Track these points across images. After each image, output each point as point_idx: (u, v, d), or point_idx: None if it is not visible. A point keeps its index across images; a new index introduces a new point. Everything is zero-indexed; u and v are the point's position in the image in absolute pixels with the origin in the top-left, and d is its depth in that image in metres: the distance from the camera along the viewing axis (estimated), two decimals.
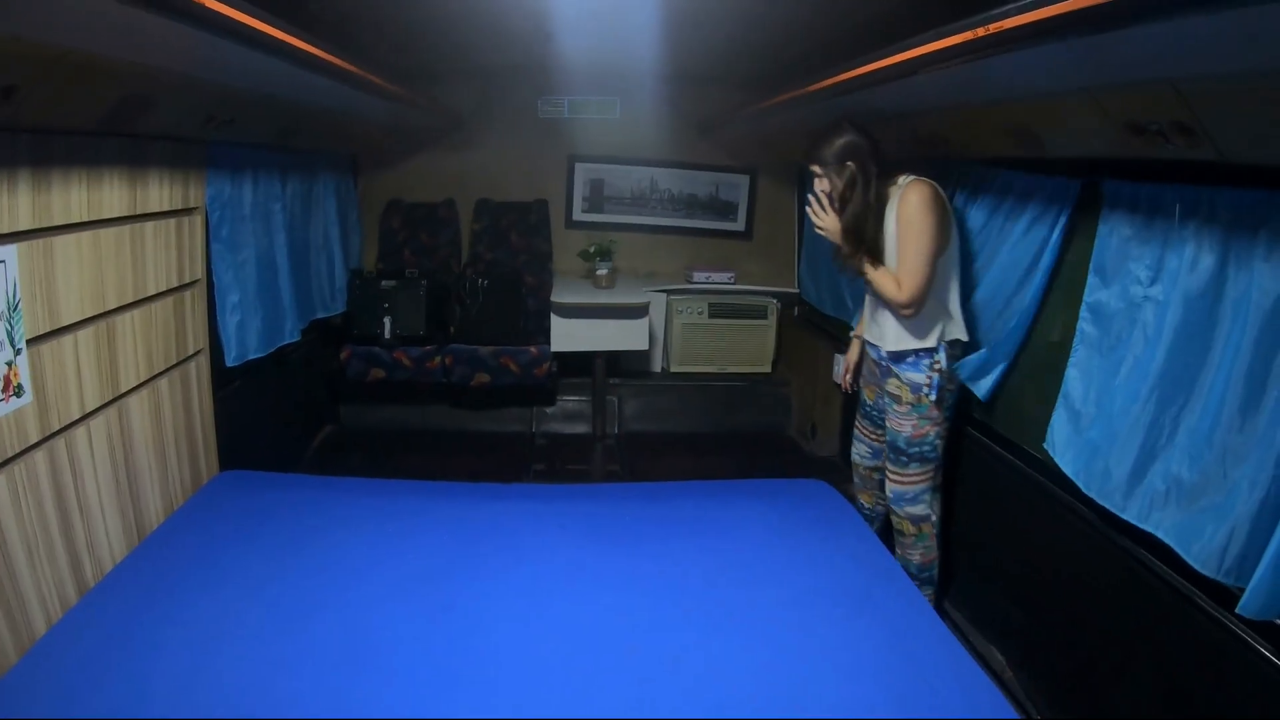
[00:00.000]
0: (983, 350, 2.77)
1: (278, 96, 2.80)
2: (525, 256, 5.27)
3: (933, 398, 2.75)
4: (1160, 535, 1.93)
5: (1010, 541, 2.79)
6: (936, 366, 2.74)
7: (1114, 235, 2.12)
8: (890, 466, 2.91)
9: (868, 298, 2.97)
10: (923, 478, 2.84)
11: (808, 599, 2.24)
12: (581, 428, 5.01)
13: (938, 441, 2.82)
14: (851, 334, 3.32)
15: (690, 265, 5.22)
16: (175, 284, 2.77)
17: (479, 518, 2.66)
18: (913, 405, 2.78)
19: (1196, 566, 1.78)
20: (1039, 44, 1.51)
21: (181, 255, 2.81)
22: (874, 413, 3.08)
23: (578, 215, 5.44)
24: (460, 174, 5.25)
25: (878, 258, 2.74)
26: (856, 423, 3.22)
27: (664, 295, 5.05)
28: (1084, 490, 2.20)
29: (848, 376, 3.34)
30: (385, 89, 3.22)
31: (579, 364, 4.75)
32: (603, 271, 4.70)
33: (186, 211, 2.83)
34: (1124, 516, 2.05)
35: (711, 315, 5.05)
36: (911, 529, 2.90)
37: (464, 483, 3.08)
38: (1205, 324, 1.83)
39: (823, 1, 2.74)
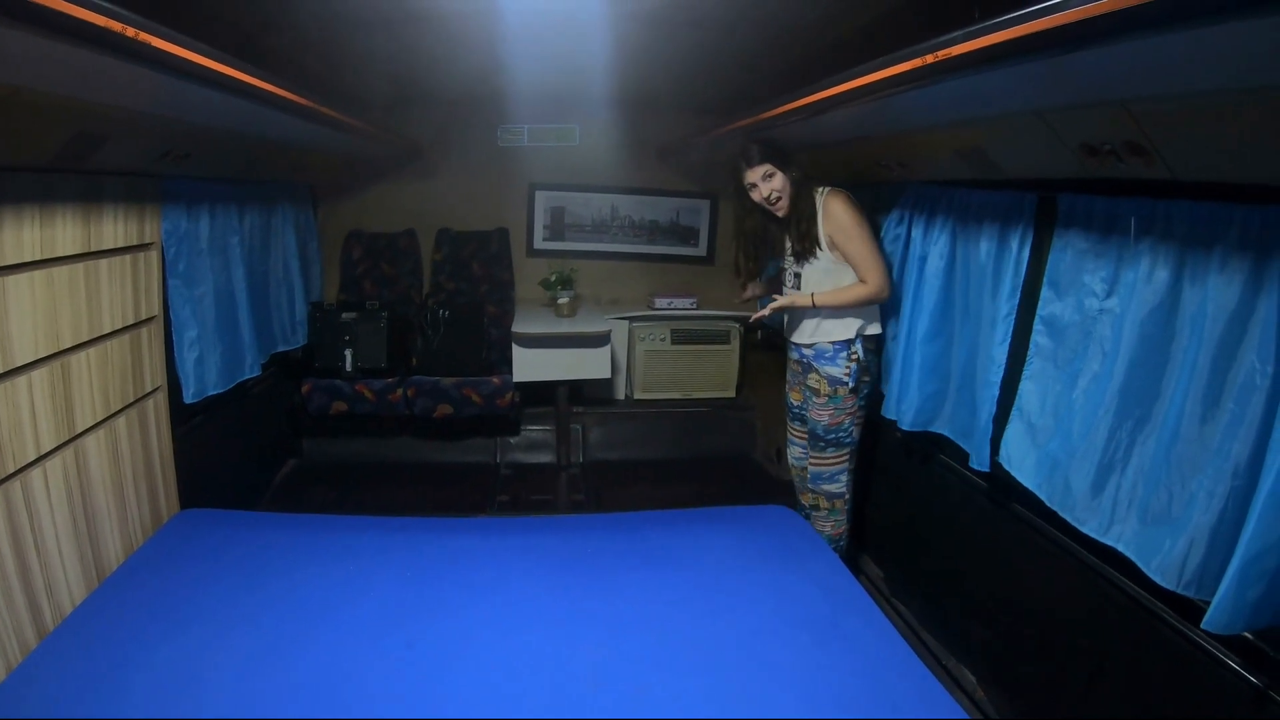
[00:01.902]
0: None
1: (236, 131, 2.78)
2: (487, 286, 5.26)
3: (850, 386, 3.05)
4: (1121, 549, 1.96)
5: (975, 559, 2.82)
6: (854, 357, 3.05)
7: (1069, 249, 2.16)
8: (811, 452, 3.24)
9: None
10: (838, 460, 3.18)
11: (773, 629, 2.24)
12: (546, 457, 4.97)
13: (853, 428, 3.14)
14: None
15: (653, 292, 5.23)
16: (131, 321, 2.72)
17: (439, 554, 2.65)
18: (830, 397, 3.09)
19: (1157, 579, 1.81)
20: (987, 69, 1.55)
21: (137, 291, 2.77)
22: (801, 412, 3.33)
23: (539, 243, 5.44)
24: (420, 203, 5.22)
25: (811, 250, 3.02)
26: (788, 426, 3.47)
27: (626, 322, 5.05)
28: (1046, 503, 2.22)
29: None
30: (341, 121, 3.21)
31: (543, 393, 4.71)
32: (563, 300, 4.67)
33: (142, 247, 2.79)
34: (1084, 530, 2.08)
35: (674, 341, 5.06)
36: (826, 504, 3.25)
37: (424, 518, 3.05)
38: (1161, 338, 1.87)
39: (774, 32, 2.83)
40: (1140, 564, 1.88)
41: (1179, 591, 1.78)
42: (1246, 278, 1.64)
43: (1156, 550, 1.83)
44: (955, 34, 1.54)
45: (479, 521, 3.08)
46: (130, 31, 1.55)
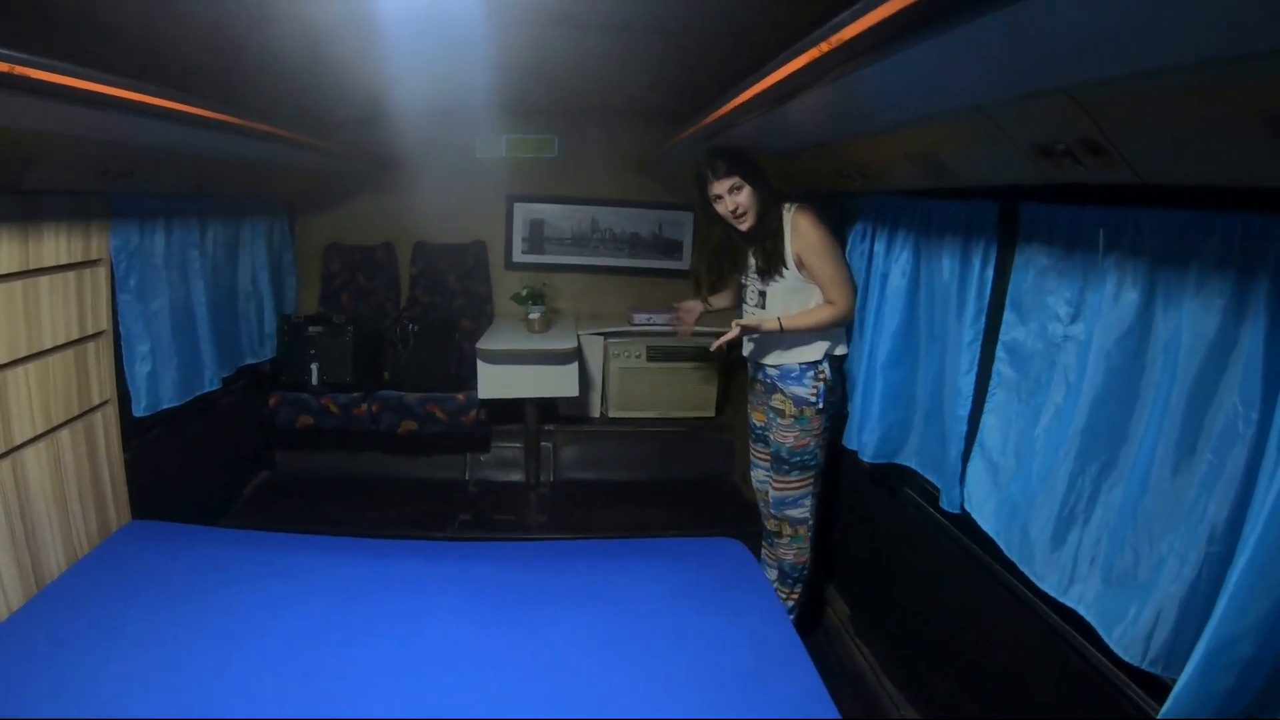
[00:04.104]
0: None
1: (178, 151, 2.79)
2: (463, 300, 5.13)
3: (818, 407, 2.89)
4: (1081, 611, 1.72)
5: (941, 604, 2.56)
6: (821, 377, 2.89)
7: (1031, 266, 1.91)
8: (774, 475, 3.07)
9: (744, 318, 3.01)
10: (803, 484, 3.01)
11: (689, 681, 2.10)
12: (516, 475, 4.82)
13: (818, 451, 2.98)
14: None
15: (632, 307, 5.01)
16: (76, 336, 2.74)
17: (366, 578, 2.57)
18: (795, 418, 2.93)
19: (1119, 652, 1.56)
20: (887, 54, 1.30)
21: (84, 307, 2.79)
22: (764, 434, 3.16)
23: (518, 256, 5.25)
24: (398, 216, 5.09)
25: (777, 269, 2.85)
26: (751, 449, 3.30)
27: (601, 338, 4.84)
28: (1005, 552, 1.98)
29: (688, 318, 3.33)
30: (295, 140, 3.27)
31: (515, 409, 4.57)
32: (535, 315, 4.48)
33: (89, 264, 2.80)
34: (1043, 587, 1.83)
35: (650, 359, 4.81)
36: (789, 530, 3.07)
37: (363, 539, 2.98)
38: (1130, 370, 1.61)
39: (731, 35, 2.62)
40: (1102, 632, 1.64)
41: (1144, 668, 1.53)
42: (1228, 301, 1.37)
43: (1120, 618, 1.59)
44: (843, 15, 1.28)
45: (415, 544, 2.94)
46: (18, 69, 1.63)
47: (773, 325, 2.81)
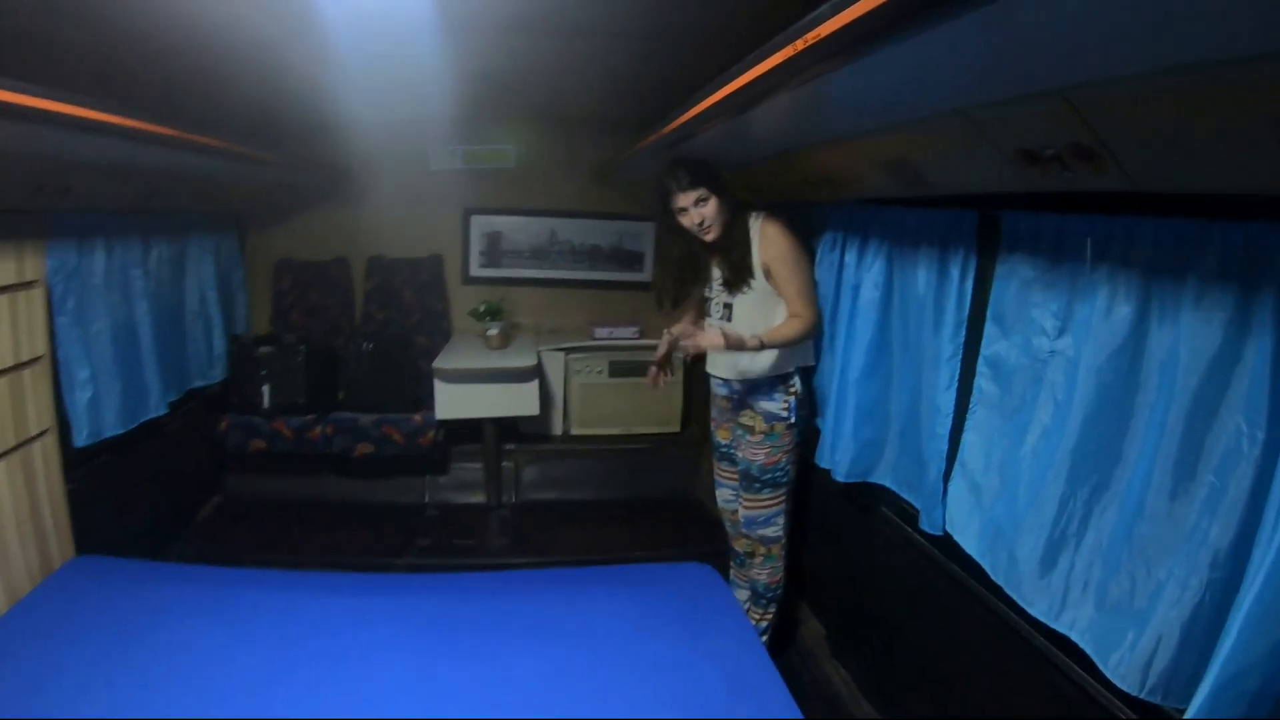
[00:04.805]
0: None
1: (119, 165, 2.67)
2: (419, 316, 4.99)
3: (791, 421, 2.79)
4: (1074, 638, 1.64)
5: (921, 625, 2.47)
6: (793, 391, 2.80)
7: (1014, 277, 1.83)
8: (743, 494, 2.95)
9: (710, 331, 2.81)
10: (775, 501, 2.89)
11: (664, 712, 2.01)
12: (477, 497, 4.66)
13: (789, 467, 2.86)
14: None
15: (593, 321, 4.91)
16: (10, 363, 2.62)
17: (321, 614, 2.45)
18: (766, 434, 2.82)
19: (1116, 681, 1.49)
20: (863, 54, 1.20)
21: (18, 332, 2.67)
22: (730, 451, 3.06)
23: (475, 270, 5.12)
24: (352, 230, 4.93)
25: (745, 280, 2.75)
26: (715, 468, 3.19)
27: (562, 354, 4.71)
28: (991, 576, 1.89)
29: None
30: (242, 154, 3.18)
31: (474, 428, 4.43)
32: (493, 332, 4.36)
33: (23, 286, 2.68)
34: (1031, 612, 1.75)
35: (612, 374, 4.69)
36: (762, 550, 2.95)
37: (317, 572, 2.91)
38: (1124, 388, 1.53)
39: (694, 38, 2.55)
40: (1097, 659, 1.56)
41: (1142, 698, 1.45)
42: (1230, 314, 1.30)
43: (1116, 645, 1.51)
44: (823, 9, 1.17)
45: (371, 578, 2.82)
46: None
47: (753, 344, 2.58)
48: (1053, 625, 1.71)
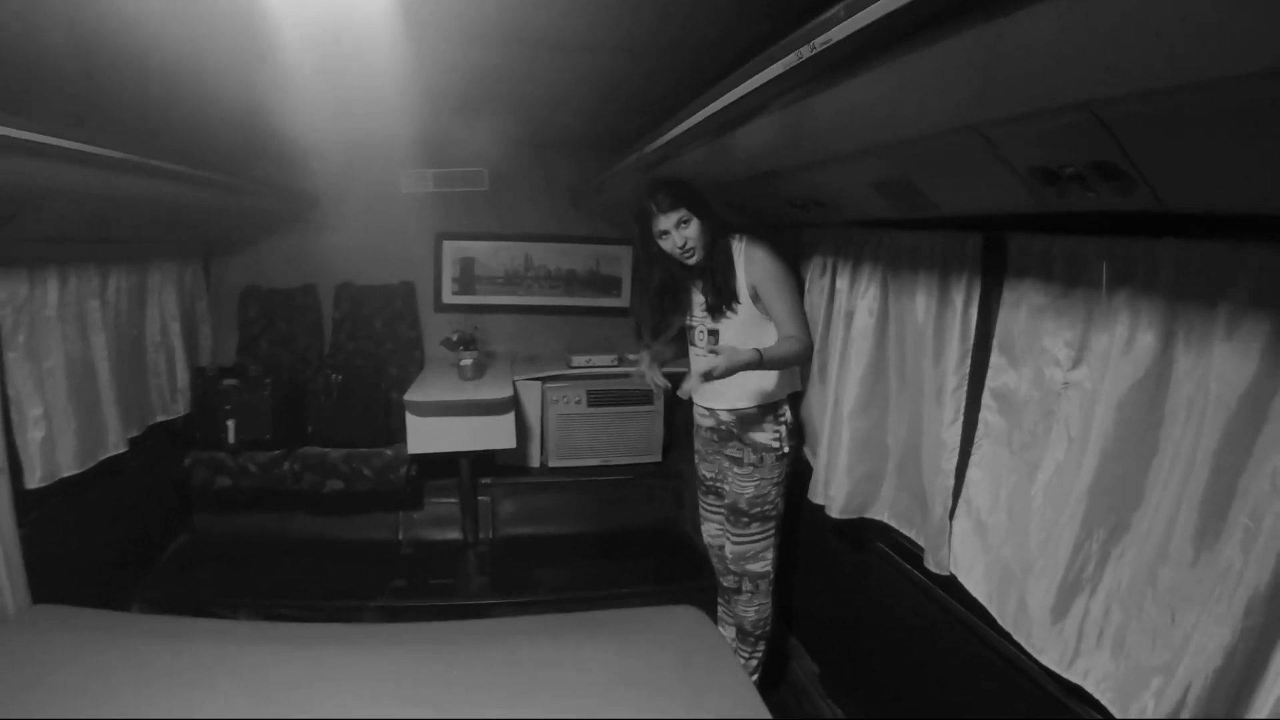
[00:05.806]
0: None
1: (72, 193, 2.54)
2: (391, 345, 4.84)
3: (782, 451, 2.70)
4: (1088, 688, 1.53)
5: (921, 664, 2.34)
6: (783, 419, 2.72)
7: (1023, 304, 1.72)
8: (731, 528, 2.85)
9: (697, 360, 2.80)
10: (764, 535, 2.80)
11: None
12: (453, 533, 4.51)
13: (779, 500, 2.77)
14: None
15: (570, 348, 4.78)
16: None
17: (288, 668, 2.31)
18: (755, 465, 2.72)
19: None
20: (881, 63, 1.09)
21: None
22: (716, 485, 2.97)
23: (448, 297, 4.99)
24: (320, 256, 4.78)
25: (728, 303, 2.65)
26: (701, 502, 3.10)
27: (538, 383, 4.57)
28: (999, 621, 1.78)
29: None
30: (205, 179, 3.10)
31: (449, 463, 4.29)
32: (467, 362, 4.22)
33: None
34: (1041, 660, 1.64)
35: (590, 404, 4.54)
36: (749, 586, 2.86)
37: (285, 622, 2.83)
38: (1146, 423, 1.42)
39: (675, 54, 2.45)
40: (1114, 710, 1.46)
41: None
42: (1265, 344, 1.19)
43: (1137, 695, 1.41)
44: (836, 9, 1.06)
45: (340, 629, 2.66)
46: None
47: (751, 355, 2.40)
48: (1064, 674, 1.60)
